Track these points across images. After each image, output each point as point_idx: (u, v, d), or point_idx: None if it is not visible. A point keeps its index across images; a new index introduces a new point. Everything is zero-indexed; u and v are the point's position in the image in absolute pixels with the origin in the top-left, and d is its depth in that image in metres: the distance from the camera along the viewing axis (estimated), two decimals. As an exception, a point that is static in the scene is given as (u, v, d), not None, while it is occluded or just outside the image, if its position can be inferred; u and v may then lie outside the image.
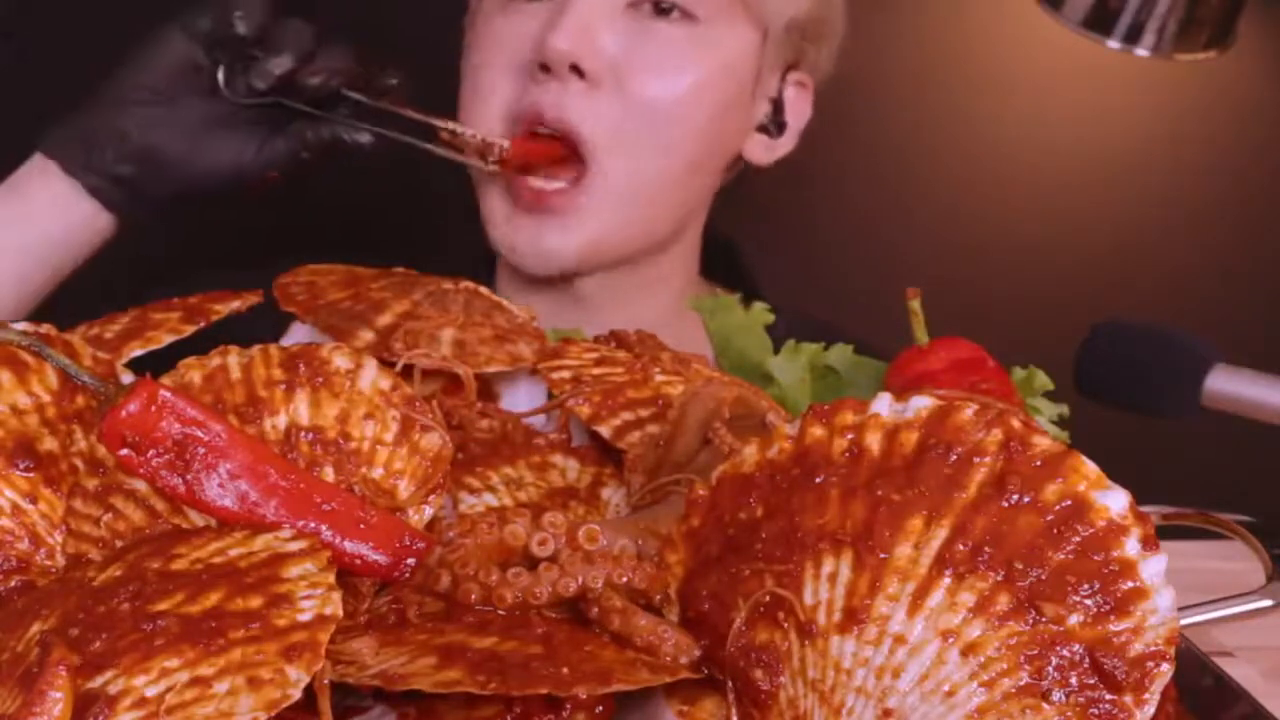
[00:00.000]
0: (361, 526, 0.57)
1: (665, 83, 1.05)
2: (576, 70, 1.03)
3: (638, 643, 0.53)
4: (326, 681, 0.49)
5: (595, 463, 0.69)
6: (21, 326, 0.65)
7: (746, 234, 1.70)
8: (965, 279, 1.69)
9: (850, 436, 0.55)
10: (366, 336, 0.72)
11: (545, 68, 1.03)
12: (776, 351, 0.95)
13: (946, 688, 0.49)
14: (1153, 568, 0.51)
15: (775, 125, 1.17)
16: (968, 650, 0.50)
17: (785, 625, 0.51)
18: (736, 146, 1.15)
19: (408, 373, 0.69)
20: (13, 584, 0.58)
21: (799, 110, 1.18)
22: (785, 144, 1.19)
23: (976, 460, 0.53)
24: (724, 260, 1.26)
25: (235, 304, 0.75)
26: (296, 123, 1.02)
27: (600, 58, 1.03)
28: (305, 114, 1.01)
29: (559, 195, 1.06)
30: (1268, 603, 0.75)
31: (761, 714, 0.51)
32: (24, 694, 0.46)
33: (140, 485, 0.59)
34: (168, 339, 0.71)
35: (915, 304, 0.86)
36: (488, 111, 1.07)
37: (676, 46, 1.06)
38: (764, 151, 1.17)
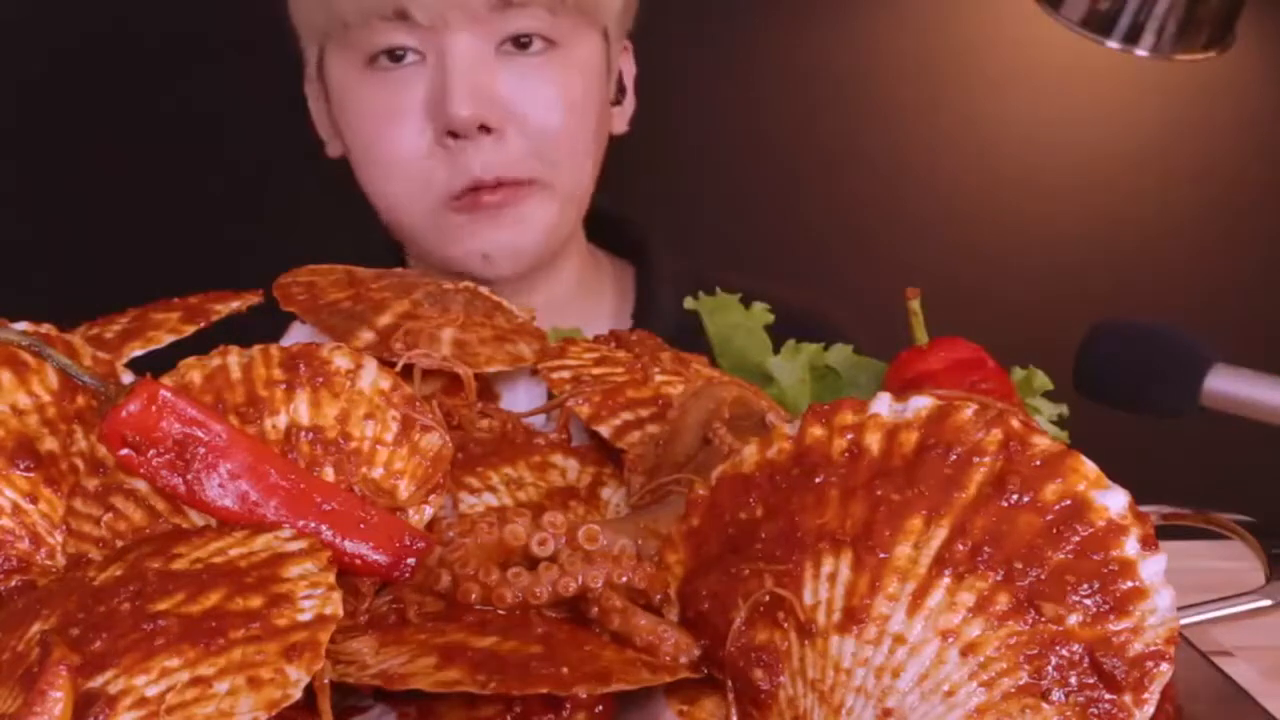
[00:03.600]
0: (361, 526, 0.57)
1: (552, 112, 1.12)
2: (483, 128, 1.08)
3: (638, 643, 0.53)
4: (326, 681, 0.49)
5: (595, 463, 0.69)
6: (21, 326, 0.65)
7: (746, 234, 1.70)
8: (965, 279, 1.69)
9: (850, 436, 0.55)
10: (366, 336, 0.72)
11: (453, 134, 1.08)
12: (777, 351, 0.95)
13: (946, 687, 0.49)
14: (1152, 567, 0.51)
15: (619, 92, 1.23)
16: (967, 650, 0.50)
17: (785, 625, 0.51)
18: (607, 131, 1.21)
19: (408, 373, 0.69)
20: (13, 584, 0.58)
21: (629, 70, 1.25)
22: (629, 104, 1.25)
23: (976, 460, 0.53)
24: (608, 226, 1.31)
25: (235, 304, 0.75)
26: None
27: (499, 109, 1.09)
28: None
29: (510, 193, 1.11)
30: (1267, 603, 0.75)
31: (761, 714, 0.51)
32: (24, 694, 0.46)
33: (140, 485, 0.59)
34: (168, 339, 0.71)
35: (915, 304, 0.86)
36: (413, 185, 1.12)
37: (549, 76, 1.11)
38: (620, 121, 1.24)
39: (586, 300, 1.25)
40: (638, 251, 1.30)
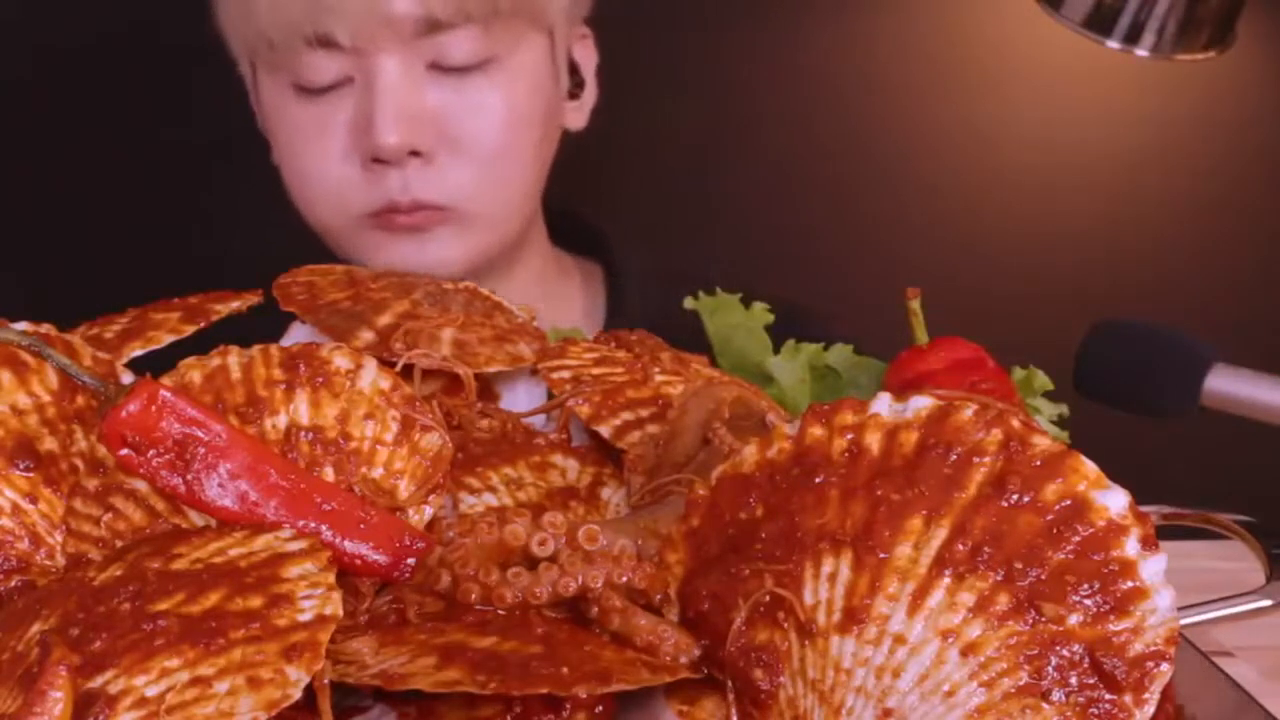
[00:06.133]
0: (361, 526, 0.57)
1: (489, 132, 1.08)
2: (413, 153, 1.05)
3: (638, 643, 0.53)
4: (326, 681, 0.49)
5: (595, 463, 0.69)
6: (21, 326, 0.65)
7: (746, 234, 1.70)
8: (965, 279, 1.69)
9: (850, 436, 0.55)
10: (366, 336, 0.72)
11: (380, 160, 1.05)
12: (777, 351, 0.95)
13: (946, 687, 0.49)
14: (1152, 567, 0.51)
15: (576, 85, 1.18)
16: (967, 650, 0.50)
17: (785, 625, 0.51)
18: (559, 129, 1.17)
19: (408, 373, 0.69)
20: (13, 584, 0.58)
21: (588, 58, 1.20)
22: (590, 95, 1.20)
23: (976, 460, 0.53)
24: (574, 229, 1.28)
25: (235, 304, 0.75)
26: None
27: (428, 135, 1.05)
28: None
29: (431, 215, 1.08)
30: (1267, 602, 0.75)
31: (761, 714, 0.51)
32: (24, 694, 0.46)
33: (140, 485, 0.59)
34: (168, 339, 0.71)
35: (915, 304, 0.86)
36: (330, 208, 1.10)
37: (487, 94, 1.07)
38: (578, 115, 1.19)
39: (552, 302, 1.21)
40: (604, 250, 1.27)
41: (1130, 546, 0.51)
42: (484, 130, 1.07)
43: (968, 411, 0.54)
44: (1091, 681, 0.49)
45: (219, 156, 1.61)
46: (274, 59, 1.08)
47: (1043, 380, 0.90)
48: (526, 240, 1.20)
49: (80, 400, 0.63)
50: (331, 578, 0.52)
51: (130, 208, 1.62)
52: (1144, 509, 0.52)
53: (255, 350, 0.65)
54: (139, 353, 0.70)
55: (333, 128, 1.07)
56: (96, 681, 0.47)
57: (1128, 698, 0.49)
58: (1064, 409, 0.90)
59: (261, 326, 0.75)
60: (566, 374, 0.73)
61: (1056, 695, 0.49)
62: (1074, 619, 0.50)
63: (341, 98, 1.07)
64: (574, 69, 1.18)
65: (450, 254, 1.10)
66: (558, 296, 1.24)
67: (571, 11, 1.15)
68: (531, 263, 1.22)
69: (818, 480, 0.54)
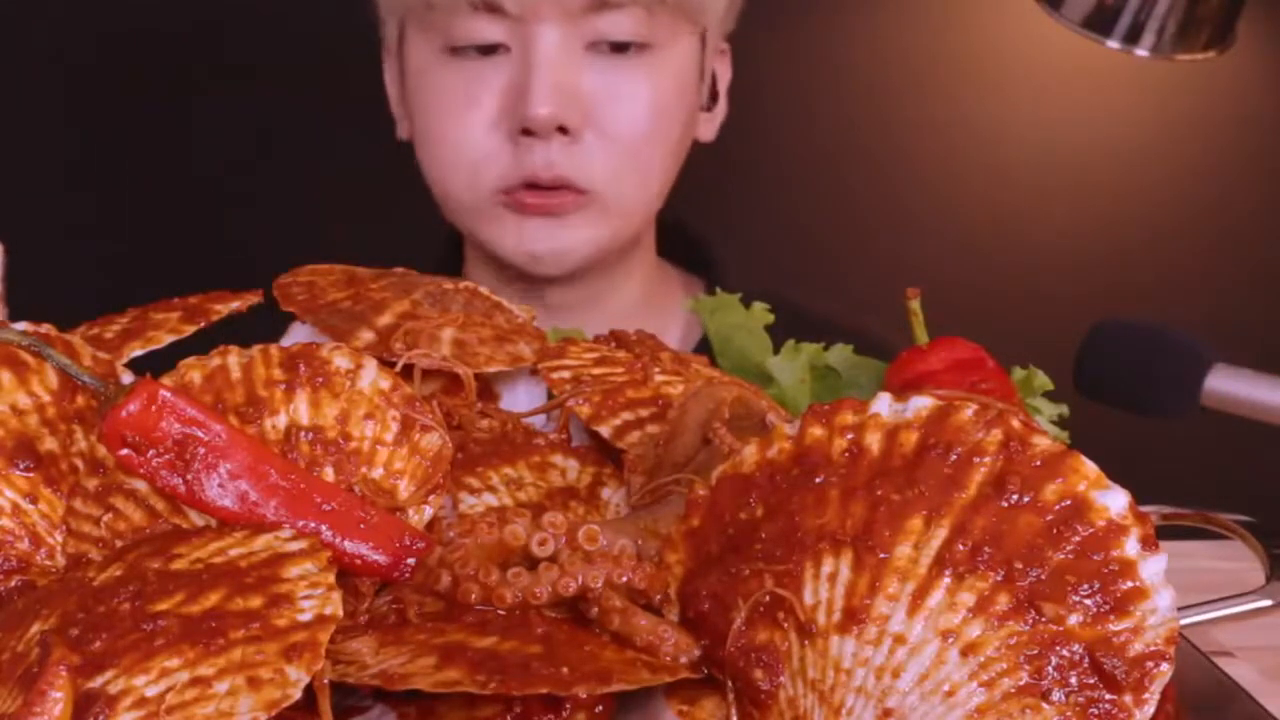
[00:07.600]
0: (361, 526, 0.57)
1: (637, 118, 1.09)
2: (561, 129, 1.05)
3: (638, 643, 0.53)
4: (326, 681, 0.49)
5: (595, 463, 0.69)
6: (21, 326, 0.65)
7: (747, 234, 1.70)
8: (965, 279, 1.69)
9: (850, 436, 0.55)
10: (366, 336, 0.72)
11: (528, 131, 1.06)
12: (777, 351, 0.95)
13: (946, 688, 0.49)
14: (1152, 567, 0.51)
15: (710, 99, 1.20)
16: (967, 650, 0.50)
17: (785, 625, 0.51)
18: (692, 137, 1.18)
19: (408, 373, 0.69)
20: (13, 584, 0.58)
21: (724, 74, 1.22)
22: (721, 110, 1.22)
23: (976, 460, 0.53)
24: (680, 241, 1.28)
25: (235, 304, 0.75)
26: None
27: (580, 113, 1.06)
28: None
29: (567, 199, 1.09)
30: (1267, 603, 0.75)
31: (761, 714, 0.51)
32: (24, 694, 0.46)
33: (140, 485, 0.59)
34: (168, 339, 0.71)
35: (915, 304, 0.86)
36: (470, 175, 1.10)
37: (639, 80, 1.09)
38: (709, 128, 1.21)
39: (654, 316, 1.21)
40: (708, 266, 1.26)
41: (1130, 546, 0.51)
42: (631, 116, 1.08)
43: (968, 411, 0.54)
44: (1091, 681, 0.49)
45: (220, 157, 1.61)
46: (430, 19, 1.08)
47: (1043, 380, 0.90)
48: (639, 244, 1.19)
49: (80, 400, 0.63)
50: (331, 578, 0.52)
51: (130, 207, 1.62)
52: (1144, 509, 0.52)
53: (255, 350, 0.65)
54: (139, 353, 0.70)
55: (482, 94, 1.08)
56: (96, 681, 0.47)
57: (1128, 698, 0.49)
58: (1064, 409, 0.90)
59: (261, 326, 0.75)
60: (566, 374, 0.73)
61: (1056, 695, 0.49)
62: (1074, 619, 0.50)
63: (495, 64, 1.07)
64: (711, 81, 1.19)
65: (578, 240, 1.11)
66: (659, 307, 1.23)
67: (725, 21, 1.17)
68: (638, 269, 1.21)
69: (818, 480, 0.54)
